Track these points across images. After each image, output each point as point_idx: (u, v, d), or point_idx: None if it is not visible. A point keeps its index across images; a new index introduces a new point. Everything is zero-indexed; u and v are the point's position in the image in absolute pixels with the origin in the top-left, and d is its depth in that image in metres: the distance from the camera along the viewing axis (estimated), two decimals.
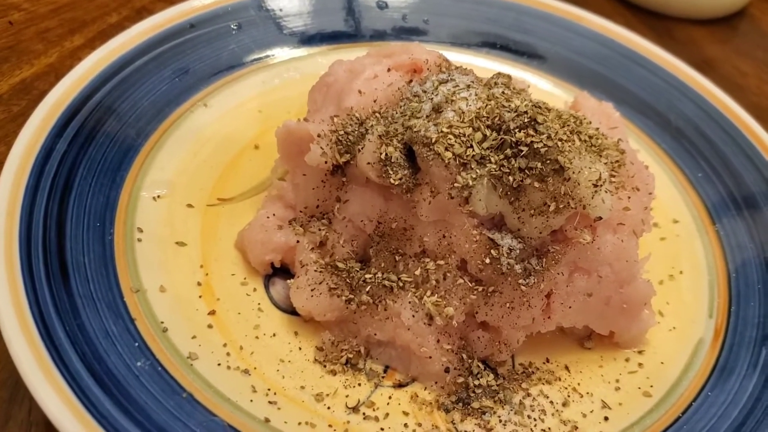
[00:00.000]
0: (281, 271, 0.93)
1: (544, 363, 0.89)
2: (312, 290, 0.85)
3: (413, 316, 0.82)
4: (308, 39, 1.23)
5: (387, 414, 0.80)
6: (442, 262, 0.83)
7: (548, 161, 0.77)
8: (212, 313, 0.85)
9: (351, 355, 0.84)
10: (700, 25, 1.72)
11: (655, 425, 0.82)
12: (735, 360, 0.89)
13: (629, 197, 0.87)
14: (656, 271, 1.00)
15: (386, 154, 0.82)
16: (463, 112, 0.82)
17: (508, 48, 1.30)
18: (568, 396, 0.85)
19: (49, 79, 1.16)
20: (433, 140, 0.80)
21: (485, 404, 0.81)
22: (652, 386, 0.87)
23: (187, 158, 1.02)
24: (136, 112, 1.01)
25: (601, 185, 0.79)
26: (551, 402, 0.84)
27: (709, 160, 1.16)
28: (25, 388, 0.66)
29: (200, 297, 0.86)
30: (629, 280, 0.85)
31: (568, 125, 0.83)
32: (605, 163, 0.85)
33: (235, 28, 1.18)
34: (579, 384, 0.87)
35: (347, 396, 0.81)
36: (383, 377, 0.84)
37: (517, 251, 0.80)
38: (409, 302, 0.82)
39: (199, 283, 0.88)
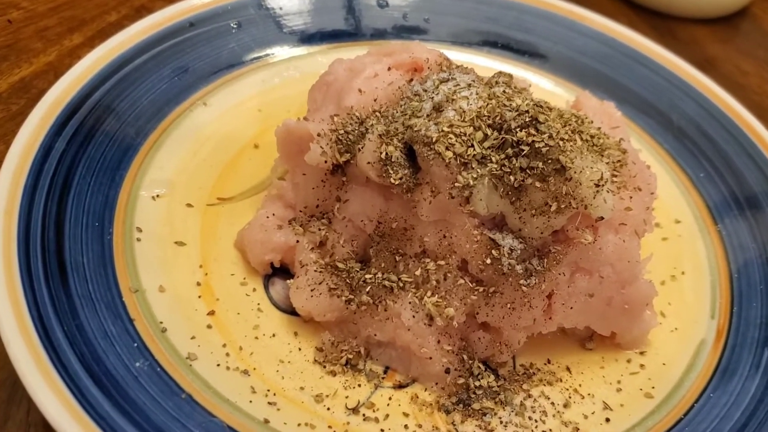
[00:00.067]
0: (281, 271, 0.93)
1: (545, 364, 0.88)
2: (312, 290, 0.84)
3: (413, 316, 0.81)
4: (308, 38, 1.22)
5: (387, 415, 0.80)
6: (442, 263, 0.83)
7: (550, 161, 0.77)
8: (211, 313, 0.85)
9: (351, 356, 0.84)
10: (701, 24, 1.71)
11: (657, 427, 0.82)
12: (737, 361, 0.89)
13: (631, 197, 0.86)
14: (658, 271, 0.99)
15: (386, 154, 0.82)
16: (464, 112, 0.82)
17: (509, 47, 1.30)
18: (570, 397, 0.85)
19: (48, 78, 1.15)
20: (434, 139, 0.79)
21: (486, 405, 0.81)
22: (653, 387, 0.87)
23: (187, 157, 1.01)
24: (136, 110, 1.00)
25: (603, 185, 0.79)
26: (552, 403, 0.84)
27: (711, 159, 1.16)
28: (24, 389, 0.66)
29: (199, 297, 0.86)
30: (631, 281, 0.84)
31: (570, 125, 0.83)
32: (607, 163, 0.84)
33: (234, 26, 1.18)
34: (580, 385, 0.86)
35: (347, 397, 0.81)
36: (383, 378, 0.84)
37: (518, 251, 0.80)
38: (410, 303, 0.82)
39: (198, 283, 0.87)
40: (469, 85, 0.87)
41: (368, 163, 0.83)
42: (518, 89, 0.90)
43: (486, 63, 1.26)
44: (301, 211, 0.92)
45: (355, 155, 0.85)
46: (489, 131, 0.80)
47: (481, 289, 0.81)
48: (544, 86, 1.26)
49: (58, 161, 0.88)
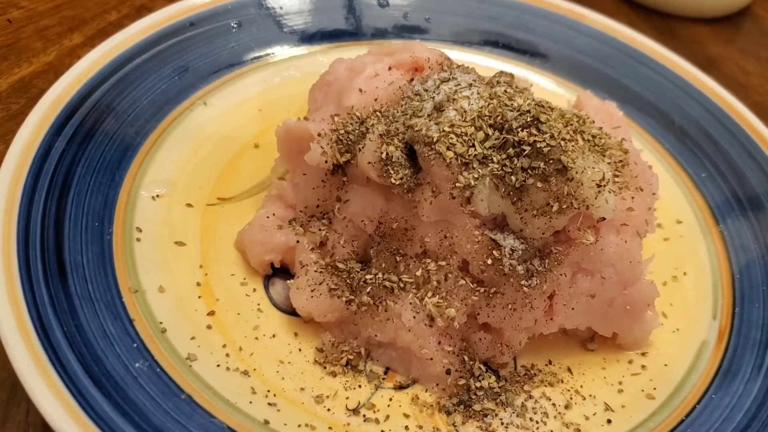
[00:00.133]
0: (281, 271, 0.92)
1: (546, 365, 0.88)
2: (312, 291, 0.84)
3: (414, 317, 0.81)
4: (309, 37, 1.22)
5: (387, 416, 0.79)
6: (443, 263, 0.82)
7: (551, 161, 0.77)
8: (211, 313, 0.84)
9: (351, 357, 0.84)
10: (703, 24, 1.71)
11: (659, 428, 0.81)
12: (739, 362, 0.88)
13: (633, 198, 0.86)
14: (660, 272, 0.99)
15: (387, 154, 0.82)
16: (465, 111, 0.81)
17: (510, 47, 1.30)
18: (571, 398, 0.84)
19: (48, 78, 1.15)
20: (435, 139, 0.79)
21: (487, 406, 0.81)
22: (655, 388, 0.86)
23: (187, 157, 1.01)
24: (136, 110, 1.00)
25: (605, 185, 0.78)
26: (553, 404, 0.83)
27: (713, 159, 1.15)
28: (23, 390, 0.66)
29: (199, 297, 0.86)
30: (633, 282, 0.84)
31: (571, 124, 0.82)
32: (609, 163, 0.84)
33: (235, 26, 1.17)
34: (582, 386, 0.86)
35: (347, 398, 0.80)
36: (384, 379, 0.84)
37: (520, 252, 0.80)
38: (410, 303, 0.82)
39: (198, 284, 0.87)
40: (470, 85, 0.87)
41: (369, 163, 0.83)
42: (519, 89, 0.89)
43: (487, 62, 1.26)
44: (301, 211, 0.92)
45: (355, 155, 0.85)
46: (490, 131, 0.79)
47: (482, 289, 0.81)
48: (545, 86, 1.25)
49: (58, 161, 0.87)
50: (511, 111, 0.80)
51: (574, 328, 0.87)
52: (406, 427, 0.79)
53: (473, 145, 0.79)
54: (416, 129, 0.81)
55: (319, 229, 0.89)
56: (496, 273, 0.80)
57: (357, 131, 0.86)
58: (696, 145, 1.18)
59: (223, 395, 0.75)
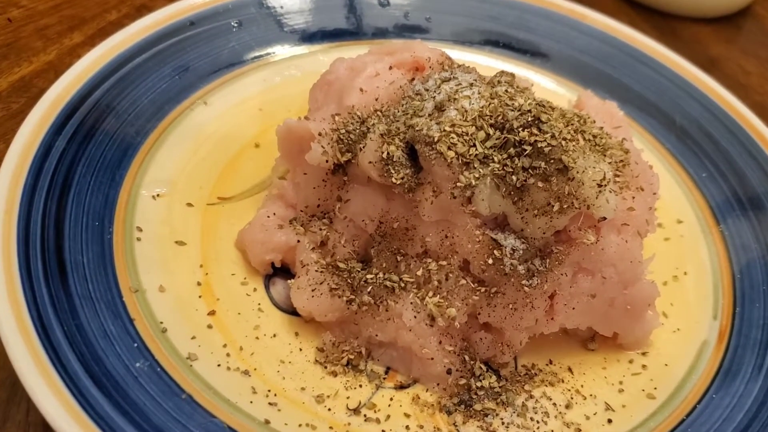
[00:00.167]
0: (282, 271, 0.92)
1: (547, 365, 0.88)
2: (313, 290, 0.84)
3: (415, 317, 0.81)
4: (309, 37, 1.22)
5: (388, 416, 0.79)
6: (444, 263, 0.82)
7: (552, 161, 0.77)
8: (212, 313, 0.84)
9: (352, 356, 0.84)
10: (704, 23, 1.71)
11: (659, 428, 0.81)
12: (740, 362, 0.88)
13: (633, 197, 0.86)
14: (660, 271, 0.99)
15: (388, 153, 0.81)
16: (466, 111, 0.81)
17: (510, 46, 1.29)
18: (572, 398, 0.84)
19: (48, 77, 1.15)
20: (436, 139, 0.79)
21: (487, 406, 0.81)
22: (656, 388, 0.86)
23: (187, 157, 1.01)
24: (136, 109, 1.00)
25: (606, 185, 0.78)
26: (554, 404, 0.83)
27: (714, 159, 1.15)
28: (23, 389, 0.66)
29: (200, 297, 0.85)
30: (633, 281, 0.84)
31: (572, 124, 0.82)
32: (609, 163, 0.84)
33: (235, 25, 1.17)
34: (582, 386, 0.86)
35: (348, 397, 0.80)
36: (384, 378, 0.84)
37: (521, 252, 0.80)
38: (411, 303, 0.82)
39: (198, 283, 0.87)
40: (471, 85, 0.87)
41: (370, 162, 0.83)
42: (520, 89, 0.89)
43: (488, 62, 1.26)
44: (302, 211, 0.92)
45: (356, 155, 0.85)
46: (491, 131, 0.79)
47: (482, 289, 0.81)
48: (546, 86, 1.25)
49: (58, 160, 0.87)
50: (512, 111, 0.80)
51: (575, 327, 0.87)
52: (407, 427, 0.79)
53: (474, 145, 0.79)
54: (417, 128, 0.81)
55: (320, 229, 0.89)
56: (497, 273, 0.80)
57: (358, 131, 0.86)
58: (697, 144, 1.18)
59: (223, 395, 0.75)
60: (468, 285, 0.81)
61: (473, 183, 0.78)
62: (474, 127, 0.80)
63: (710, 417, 0.82)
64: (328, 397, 0.79)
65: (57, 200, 0.84)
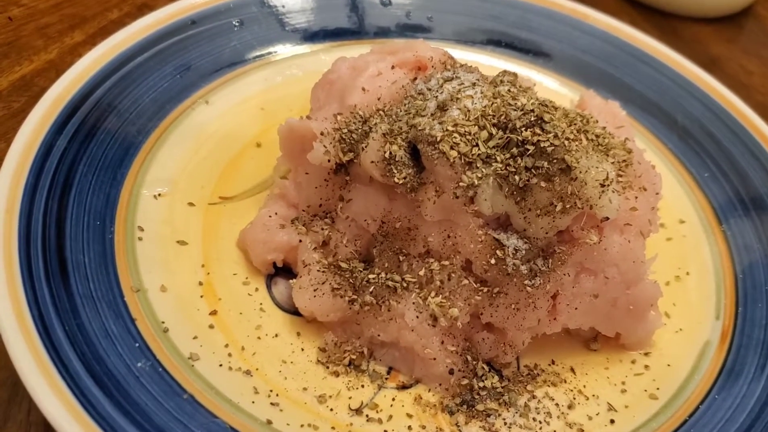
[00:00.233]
0: (283, 270, 0.92)
1: (549, 365, 0.88)
2: (315, 290, 0.84)
3: (417, 317, 0.81)
4: (311, 36, 1.22)
5: (390, 416, 0.79)
6: (446, 263, 0.82)
7: (555, 160, 0.76)
8: (214, 313, 0.84)
9: (354, 357, 0.83)
10: (705, 23, 1.70)
11: (662, 428, 0.81)
12: (742, 363, 0.88)
13: (636, 197, 0.86)
14: (662, 272, 0.99)
15: (390, 153, 0.81)
16: (469, 111, 0.81)
17: (513, 46, 1.29)
18: (574, 398, 0.84)
19: (49, 76, 1.15)
20: (438, 139, 0.79)
21: (490, 406, 0.80)
22: (658, 389, 0.86)
23: (189, 156, 1.01)
24: (137, 109, 1.00)
25: (609, 185, 0.78)
26: (557, 404, 0.83)
27: (716, 159, 1.15)
28: (25, 389, 0.65)
29: (201, 297, 0.85)
30: (636, 281, 0.84)
31: (575, 124, 0.82)
32: (612, 163, 0.84)
33: (237, 24, 1.17)
34: (585, 386, 0.86)
35: (350, 398, 0.80)
36: (386, 379, 0.84)
37: (523, 252, 0.79)
38: (413, 303, 0.81)
39: (200, 283, 0.87)
40: (474, 84, 0.86)
41: (372, 162, 0.82)
42: (523, 88, 0.89)
43: (490, 62, 1.25)
44: (303, 211, 0.92)
45: (358, 154, 0.84)
46: (494, 130, 0.79)
47: (485, 289, 0.81)
48: (548, 85, 1.25)
49: (59, 159, 0.87)
50: (515, 110, 0.80)
51: (578, 328, 0.86)
52: (409, 427, 0.78)
53: (477, 145, 0.79)
54: (419, 128, 0.81)
55: (322, 229, 0.89)
56: (500, 273, 0.80)
57: (360, 130, 0.86)
58: (699, 144, 1.18)
59: (225, 395, 0.74)
60: (470, 285, 0.81)
61: (476, 183, 0.78)
62: (477, 126, 0.80)
63: (713, 417, 0.81)
64: (330, 397, 0.79)
65: (58, 199, 0.83)
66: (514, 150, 0.78)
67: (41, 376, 0.66)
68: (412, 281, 0.83)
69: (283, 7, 1.22)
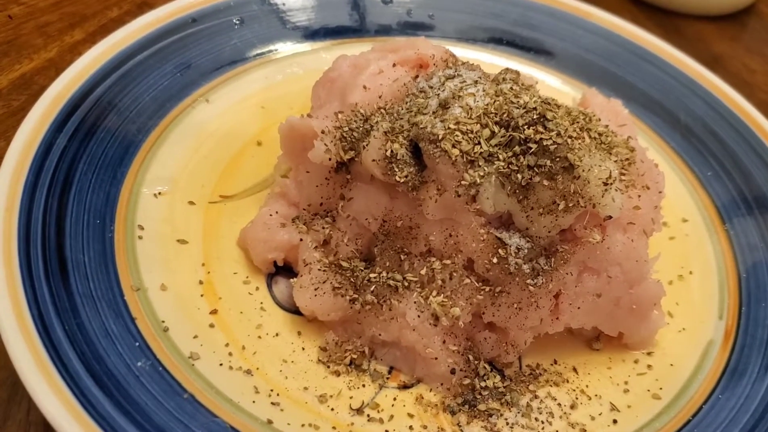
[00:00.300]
0: (284, 269, 0.92)
1: (551, 364, 0.87)
2: (315, 289, 0.83)
3: (419, 316, 0.80)
4: (312, 34, 1.21)
5: (392, 416, 0.79)
6: (448, 262, 0.82)
7: (558, 159, 0.76)
8: (214, 312, 0.84)
9: (355, 356, 0.83)
10: (708, 21, 1.70)
11: (665, 428, 0.81)
12: (746, 362, 0.88)
13: (639, 196, 0.85)
14: (665, 271, 0.98)
15: (392, 151, 0.81)
16: (471, 109, 0.81)
17: (515, 44, 1.29)
18: (576, 398, 0.84)
19: (49, 74, 1.14)
20: (440, 137, 0.78)
21: (492, 406, 0.80)
22: (661, 388, 0.86)
23: (189, 155, 1.00)
24: (137, 107, 0.99)
25: (612, 183, 0.78)
26: (559, 404, 0.83)
27: (719, 158, 1.15)
28: (24, 388, 0.65)
29: (202, 296, 0.85)
30: (639, 281, 0.83)
31: (578, 122, 0.82)
32: (615, 161, 0.83)
33: (237, 22, 1.16)
34: (587, 386, 0.85)
35: (351, 397, 0.80)
36: (388, 378, 0.83)
37: (525, 251, 0.79)
38: (415, 302, 0.81)
39: (200, 282, 0.86)
40: (476, 82, 0.86)
41: (373, 160, 0.82)
42: (525, 86, 0.88)
43: (492, 60, 1.25)
44: (304, 209, 0.91)
45: (359, 153, 0.84)
46: (496, 128, 0.79)
47: (487, 288, 0.80)
48: (550, 83, 1.25)
49: (59, 158, 0.87)
50: (518, 108, 0.79)
51: (580, 327, 0.86)
52: (411, 427, 0.78)
53: (479, 143, 0.78)
54: (421, 126, 0.80)
55: (323, 227, 0.88)
56: (502, 272, 0.79)
57: (361, 128, 0.85)
58: (701, 143, 1.17)
59: (225, 394, 0.74)
60: (472, 284, 0.81)
61: (478, 181, 0.77)
62: (479, 124, 0.79)
63: (716, 418, 0.81)
64: (331, 396, 0.79)
65: (58, 198, 0.83)
66: (517, 148, 0.77)
67: (41, 376, 0.66)
68: (413, 280, 0.82)
69: (284, 4, 1.21)
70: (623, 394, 0.85)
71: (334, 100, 0.90)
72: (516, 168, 0.77)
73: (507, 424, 0.79)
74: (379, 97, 0.88)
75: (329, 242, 0.88)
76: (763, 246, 1.02)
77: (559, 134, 0.76)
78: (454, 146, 0.78)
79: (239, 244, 0.93)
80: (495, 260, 0.79)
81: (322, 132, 0.85)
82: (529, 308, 0.80)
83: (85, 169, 0.88)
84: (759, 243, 1.02)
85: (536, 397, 0.83)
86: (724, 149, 1.15)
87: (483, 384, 0.82)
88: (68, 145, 0.89)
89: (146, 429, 0.66)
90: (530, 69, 1.25)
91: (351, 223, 0.87)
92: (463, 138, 0.78)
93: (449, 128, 0.79)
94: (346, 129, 0.85)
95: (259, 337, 0.83)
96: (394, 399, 0.81)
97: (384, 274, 0.84)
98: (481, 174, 0.77)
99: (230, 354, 0.80)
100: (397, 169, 0.80)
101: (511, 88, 0.84)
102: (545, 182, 0.76)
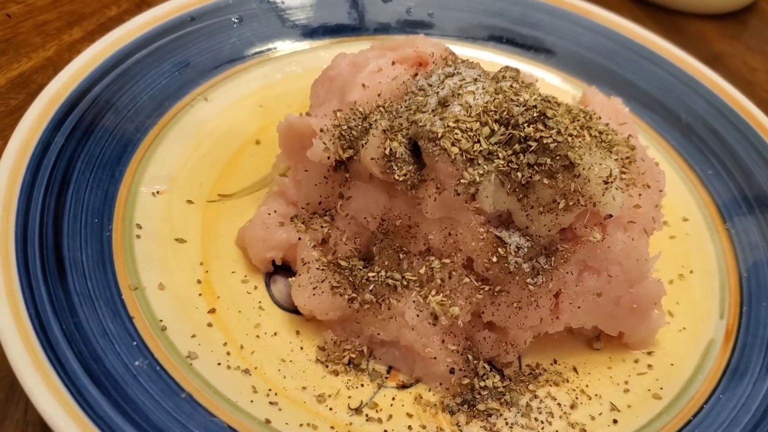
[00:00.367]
0: (282, 268, 0.92)
1: (551, 364, 0.87)
2: (314, 288, 0.83)
3: (417, 315, 0.80)
4: (311, 32, 1.21)
5: (390, 416, 0.78)
6: (447, 261, 0.81)
7: (558, 157, 0.75)
8: (212, 311, 0.83)
9: (354, 355, 0.83)
10: (709, 20, 1.69)
11: (666, 428, 0.80)
12: (747, 362, 0.87)
13: (640, 194, 0.85)
14: (666, 270, 0.98)
15: (390, 150, 0.80)
16: (470, 107, 0.80)
17: (515, 42, 1.28)
18: (576, 398, 0.83)
19: (47, 73, 1.14)
20: (439, 135, 0.78)
21: (491, 406, 0.80)
22: (661, 388, 0.85)
23: (187, 153, 1.00)
24: (136, 106, 0.99)
25: (612, 182, 0.77)
26: (559, 404, 0.82)
27: (720, 156, 1.14)
28: (22, 388, 0.65)
29: (200, 295, 0.85)
30: (639, 280, 0.83)
31: (578, 120, 0.81)
32: (616, 160, 0.83)
33: (236, 20, 1.16)
34: (587, 386, 0.85)
35: (350, 397, 0.79)
36: (386, 378, 0.83)
37: (525, 250, 0.79)
38: (414, 301, 0.81)
39: (198, 281, 0.86)
40: (475, 80, 0.85)
41: (372, 159, 0.81)
42: (525, 84, 0.88)
43: (491, 58, 1.24)
44: (303, 208, 0.91)
45: (358, 151, 0.84)
46: (496, 126, 0.78)
47: (486, 287, 0.80)
48: (550, 82, 1.24)
49: (57, 157, 0.86)
50: (517, 106, 0.79)
51: (580, 326, 0.86)
52: (409, 427, 0.78)
53: (478, 141, 0.78)
54: (420, 124, 0.80)
55: (321, 226, 0.88)
56: (501, 271, 0.79)
57: (360, 127, 0.85)
58: (702, 141, 1.17)
59: (223, 394, 0.74)
60: (471, 283, 0.80)
61: (477, 180, 0.77)
62: (478, 122, 0.79)
63: (717, 418, 0.81)
64: (330, 396, 0.79)
65: (56, 197, 0.83)
66: (517, 146, 0.77)
67: (38, 376, 0.65)
68: (412, 279, 0.82)
69: (283, 3, 1.21)
70: (623, 394, 0.85)
71: (333, 98, 0.90)
72: (516, 166, 0.76)
73: (506, 424, 0.79)
74: (378, 95, 0.88)
75: (328, 241, 0.88)
76: (764, 245, 1.01)
77: (559, 132, 0.76)
78: (453, 144, 0.77)
79: (238, 243, 0.92)
80: (494, 259, 0.78)
81: (321, 130, 0.85)
82: (528, 307, 0.80)
83: (83, 168, 0.88)
84: (760, 242, 1.02)
85: (536, 396, 0.83)
86: (724, 148, 1.15)
87: (482, 384, 0.81)
88: (66, 143, 0.88)
89: (144, 428, 0.66)
90: (530, 67, 1.24)
91: (350, 221, 0.87)
92: (462, 136, 0.78)
93: (448, 126, 0.78)
94: (345, 127, 0.85)
95: (258, 336, 0.83)
96: (393, 399, 0.81)
97: (383, 273, 0.83)
98: (481, 172, 0.77)
99: (228, 353, 0.79)
100: (396, 168, 0.80)
101: (511, 86, 0.84)
102: (545, 181, 0.76)
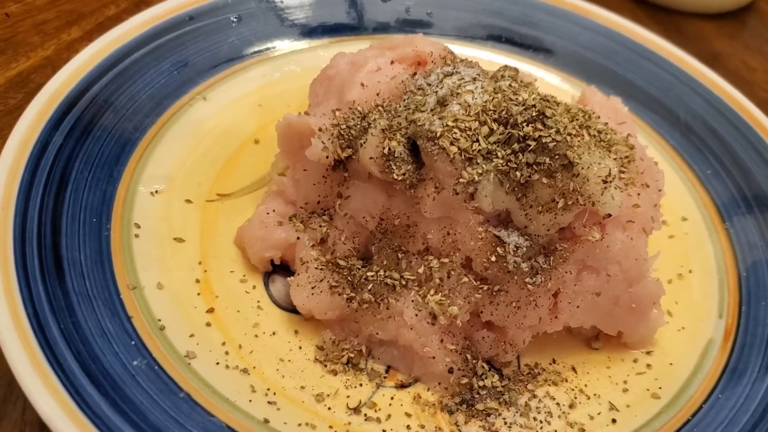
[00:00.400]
0: (281, 268, 0.91)
1: (550, 364, 0.87)
2: (313, 288, 0.83)
3: (416, 315, 0.80)
4: (310, 31, 1.21)
5: (389, 415, 0.78)
6: (446, 260, 0.81)
7: (557, 156, 0.75)
8: (211, 311, 0.83)
9: (352, 355, 0.83)
10: (708, 19, 1.69)
11: (664, 428, 0.80)
12: (746, 362, 0.87)
13: (639, 194, 0.85)
14: (665, 269, 0.98)
15: (389, 149, 0.80)
16: (469, 106, 0.80)
17: (513, 41, 1.28)
18: (575, 398, 0.83)
19: (45, 72, 1.14)
20: (438, 134, 0.78)
21: (490, 406, 0.80)
22: (660, 388, 0.85)
23: (186, 153, 1.00)
24: (134, 105, 0.99)
25: (611, 181, 0.77)
26: (558, 404, 0.82)
27: (719, 156, 1.14)
28: (20, 388, 0.65)
29: (198, 294, 0.85)
30: (638, 279, 0.83)
31: (577, 120, 0.81)
32: (614, 159, 0.83)
33: (235, 20, 1.16)
34: (586, 385, 0.85)
35: (348, 396, 0.79)
36: (385, 377, 0.83)
37: (524, 249, 0.78)
38: (412, 301, 0.81)
39: (197, 280, 0.86)
40: (474, 79, 0.85)
41: (370, 158, 0.81)
42: (524, 83, 0.88)
43: (490, 57, 1.24)
44: (301, 208, 0.91)
45: (357, 150, 0.84)
46: (495, 126, 0.78)
47: (485, 287, 0.80)
48: (549, 81, 1.24)
49: (56, 156, 0.86)
50: (516, 105, 0.79)
51: (579, 326, 0.86)
52: (408, 427, 0.78)
53: (477, 140, 0.78)
54: (419, 124, 0.80)
55: (320, 226, 0.88)
56: (500, 270, 0.79)
57: (359, 126, 0.85)
58: (701, 141, 1.17)
59: (222, 393, 0.74)
60: (470, 283, 0.80)
61: (476, 179, 0.77)
62: (477, 122, 0.79)
63: (716, 417, 0.80)
64: (328, 396, 0.78)
65: (54, 196, 0.83)
66: (516, 146, 0.77)
67: (36, 375, 0.65)
68: (411, 279, 0.82)
69: (282, 2, 1.21)
70: (622, 394, 0.85)
71: (331, 97, 0.90)
72: (515, 165, 0.76)
73: (505, 423, 0.79)
74: (377, 94, 0.88)
75: (326, 240, 0.88)
76: (763, 244, 1.01)
77: (558, 131, 0.76)
78: (452, 144, 0.77)
79: (236, 242, 0.92)
80: (493, 258, 0.78)
81: (320, 130, 0.85)
82: (527, 307, 0.80)
83: (82, 168, 0.88)
84: (759, 241, 1.02)
85: (535, 396, 0.83)
86: (723, 147, 1.15)
87: (481, 383, 0.81)
88: (64, 143, 0.88)
89: (142, 428, 0.66)
90: (529, 66, 1.24)
91: (348, 221, 0.87)
92: (461, 135, 0.78)
93: (447, 125, 0.78)
94: (344, 126, 0.85)
95: (256, 335, 0.83)
96: (392, 398, 0.80)
97: (381, 272, 0.83)
98: (480, 171, 0.77)
99: (227, 353, 0.79)
100: (394, 167, 0.80)
101: (510, 86, 0.84)
102: (544, 180, 0.76)
